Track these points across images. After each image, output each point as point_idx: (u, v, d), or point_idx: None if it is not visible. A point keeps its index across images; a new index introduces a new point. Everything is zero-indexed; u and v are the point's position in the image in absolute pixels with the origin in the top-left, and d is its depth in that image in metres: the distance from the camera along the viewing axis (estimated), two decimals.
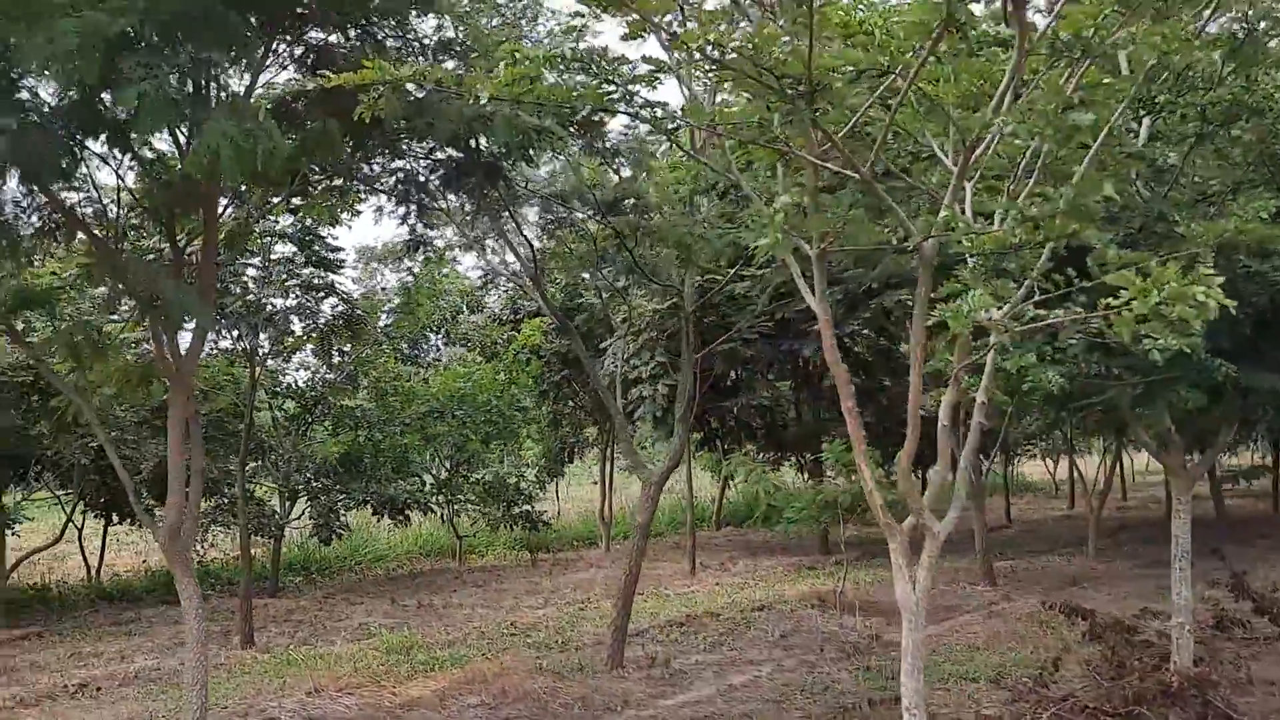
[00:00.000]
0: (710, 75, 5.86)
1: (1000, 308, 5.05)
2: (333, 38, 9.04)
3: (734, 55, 4.89)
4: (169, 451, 8.40)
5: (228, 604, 17.34)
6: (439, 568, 21.54)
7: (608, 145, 9.60)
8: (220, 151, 6.34)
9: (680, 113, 5.81)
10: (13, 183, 7.12)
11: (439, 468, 20.70)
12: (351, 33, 8.93)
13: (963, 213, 5.35)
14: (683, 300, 11.32)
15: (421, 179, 9.93)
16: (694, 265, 11.50)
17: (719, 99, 8.48)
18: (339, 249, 14.30)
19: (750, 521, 26.02)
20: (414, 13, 9.06)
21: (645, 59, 6.02)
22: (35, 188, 7.37)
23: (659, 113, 5.56)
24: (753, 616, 14.41)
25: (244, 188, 9.08)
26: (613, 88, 5.80)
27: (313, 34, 8.95)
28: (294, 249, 14.38)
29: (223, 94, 7.82)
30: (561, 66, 5.39)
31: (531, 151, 9.03)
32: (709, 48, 4.78)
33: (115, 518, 18.53)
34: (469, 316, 22.38)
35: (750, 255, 10.32)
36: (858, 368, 21.30)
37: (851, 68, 4.94)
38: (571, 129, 8.82)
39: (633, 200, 10.58)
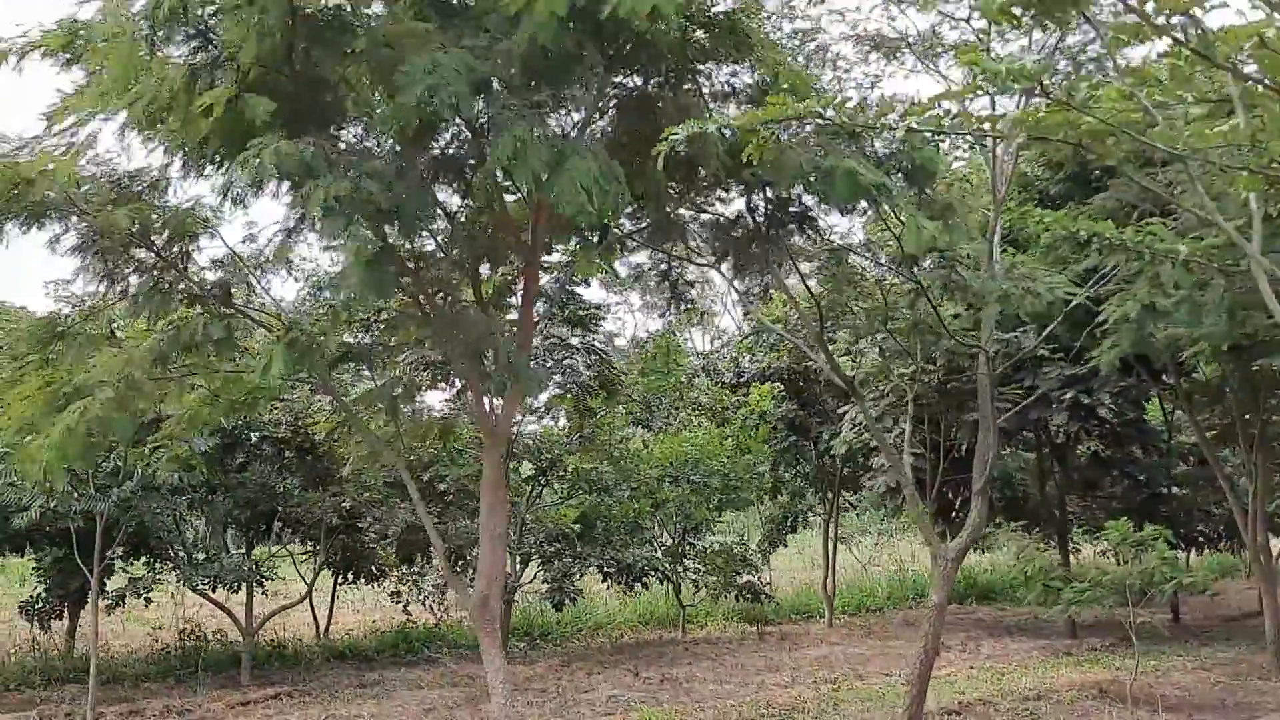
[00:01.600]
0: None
1: None
2: (636, 81, 8.70)
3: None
4: (482, 514, 8.01)
5: (464, 669, 17.07)
6: (662, 638, 20.87)
7: (936, 195, 8.89)
8: (590, 191, 5.95)
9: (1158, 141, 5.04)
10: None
11: (667, 534, 20.09)
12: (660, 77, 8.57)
13: None
14: (988, 358, 10.49)
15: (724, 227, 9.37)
16: (990, 322, 10.69)
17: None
18: (597, 307, 13.97)
19: (1011, 599, 24.59)
20: (729, 58, 8.63)
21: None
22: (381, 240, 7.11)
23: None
24: (1032, 707, 13.24)
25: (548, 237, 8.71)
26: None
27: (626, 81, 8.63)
28: (547, 306, 14.13)
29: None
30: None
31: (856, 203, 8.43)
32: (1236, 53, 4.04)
33: (349, 576, 18.59)
34: (704, 380, 21.84)
35: (1095, 311, 9.41)
36: (1108, 439, 19.98)
37: None
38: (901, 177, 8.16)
39: (939, 252, 9.82)
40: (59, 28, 7.41)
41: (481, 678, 16.20)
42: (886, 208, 9.05)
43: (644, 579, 18.59)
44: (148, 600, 15.55)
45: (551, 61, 6.17)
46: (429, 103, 5.72)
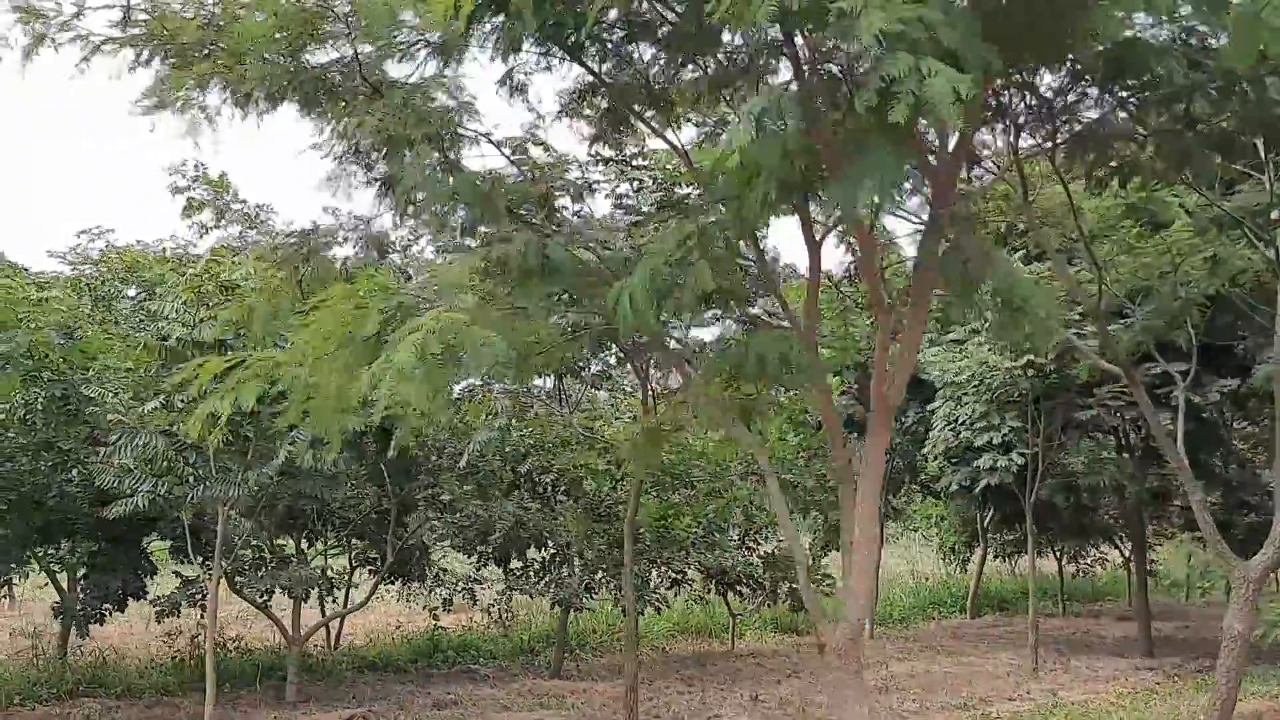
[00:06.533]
0: None
1: None
2: None
3: None
4: (858, 520, 6.16)
5: (536, 685, 15.04)
6: (711, 650, 19.11)
7: None
8: None
9: None
10: None
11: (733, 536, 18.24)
12: None
13: None
14: None
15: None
16: None
17: None
18: None
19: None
20: None
21: None
22: None
23: None
24: None
25: None
26: None
27: None
28: None
29: None
30: None
31: None
32: None
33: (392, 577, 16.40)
34: None
35: None
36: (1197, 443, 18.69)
37: None
38: None
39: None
40: None
41: (567, 695, 14.38)
42: None
43: (739, 586, 16.76)
44: (203, 607, 13.07)
45: None
46: None
